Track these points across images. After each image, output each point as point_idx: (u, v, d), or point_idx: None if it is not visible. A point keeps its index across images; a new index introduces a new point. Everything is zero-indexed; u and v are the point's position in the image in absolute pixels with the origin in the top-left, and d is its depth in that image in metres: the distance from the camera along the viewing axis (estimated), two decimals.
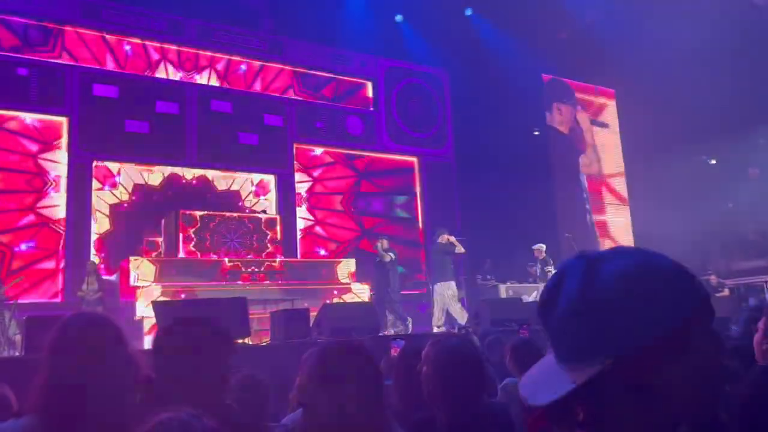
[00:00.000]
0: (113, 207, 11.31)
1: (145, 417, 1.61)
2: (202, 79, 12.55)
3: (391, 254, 10.65)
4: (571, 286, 0.76)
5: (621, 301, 0.72)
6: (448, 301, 10.31)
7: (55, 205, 10.81)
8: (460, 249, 10.74)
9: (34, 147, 10.77)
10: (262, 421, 2.71)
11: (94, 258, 10.60)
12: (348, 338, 6.22)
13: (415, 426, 2.40)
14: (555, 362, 0.77)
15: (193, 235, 10.33)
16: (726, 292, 12.49)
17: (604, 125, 17.90)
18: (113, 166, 11.43)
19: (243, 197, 12.68)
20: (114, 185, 11.43)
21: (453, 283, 10.62)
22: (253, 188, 12.85)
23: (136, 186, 11.62)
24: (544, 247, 12.36)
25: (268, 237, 11.25)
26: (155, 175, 11.84)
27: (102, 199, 11.22)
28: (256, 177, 12.87)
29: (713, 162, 17.21)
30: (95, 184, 11.17)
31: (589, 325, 0.73)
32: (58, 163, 10.93)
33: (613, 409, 0.73)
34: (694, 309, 0.74)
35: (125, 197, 11.49)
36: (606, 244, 16.45)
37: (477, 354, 2.27)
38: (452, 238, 10.83)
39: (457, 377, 2.09)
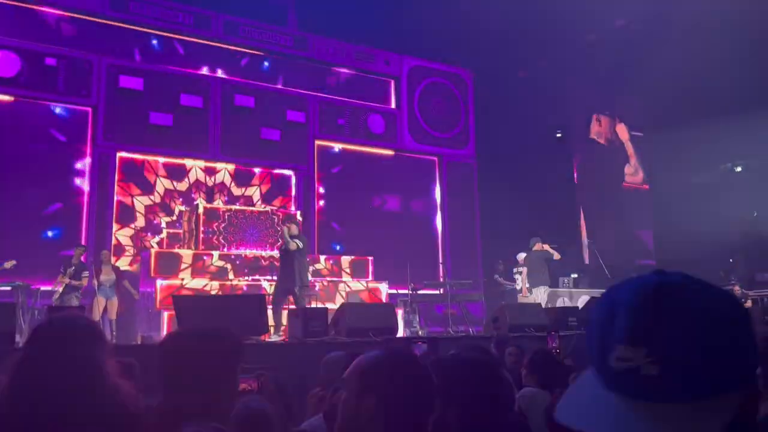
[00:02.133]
0: (135, 197, 11.38)
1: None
2: (226, 73, 12.59)
3: (299, 242, 9.21)
4: (685, 317, 0.72)
5: (729, 337, 0.71)
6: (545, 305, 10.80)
7: (78, 195, 10.92)
8: (556, 255, 11.31)
9: (58, 136, 10.88)
10: (288, 425, 2.68)
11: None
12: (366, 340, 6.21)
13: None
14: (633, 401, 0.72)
15: (213, 229, 10.39)
16: (749, 303, 12.27)
17: (639, 134, 17.82)
18: (137, 157, 11.52)
19: (263, 192, 12.70)
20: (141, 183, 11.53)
21: (547, 288, 11.30)
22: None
23: (157, 176, 11.69)
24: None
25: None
26: (177, 167, 11.91)
27: (125, 190, 11.31)
28: (277, 172, 12.90)
29: (738, 170, 16.92)
30: (119, 175, 11.27)
31: (709, 361, 0.70)
32: (81, 152, 11.04)
33: None
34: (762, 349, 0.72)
35: (147, 188, 11.57)
36: (635, 254, 16.28)
37: (496, 368, 2.19)
38: (546, 246, 11.33)
39: (471, 395, 2.00)
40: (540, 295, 11.12)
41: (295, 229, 9.36)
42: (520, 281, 12.03)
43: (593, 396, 0.76)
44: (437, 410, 2.01)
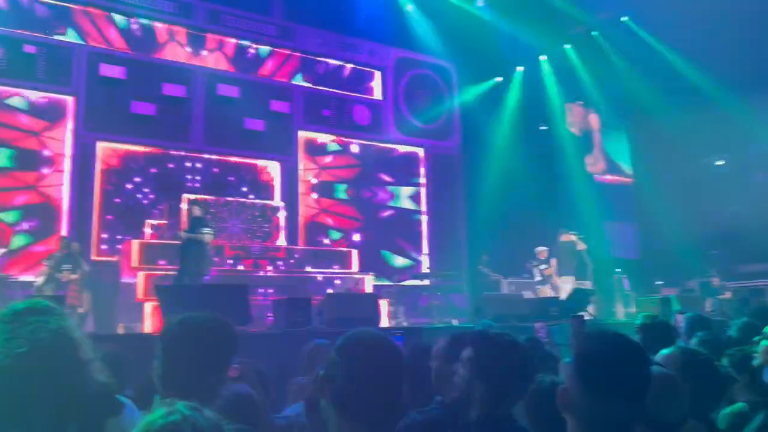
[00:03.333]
0: (117, 187, 11.25)
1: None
2: (209, 62, 12.46)
3: (207, 231, 8.29)
4: None
5: None
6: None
7: (57, 185, 10.77)
8: (581, 246, 11.68)
9: (37, 124, 10.71)
10: (266, 413, 2.67)
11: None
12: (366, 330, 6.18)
13: (423, 426, 2.35)
14: None
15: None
16: (728, 294, 12.46)
17: (616, 126, 17.90)
18: (118, 147, 11.38)
19: (247, 183, 12.62)
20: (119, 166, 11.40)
21: (573, 278, 11.52)
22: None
23: (139, 167, 11.56)
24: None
25: (272, 224, 11.24)
26: (160, 157, 11.77)
27: (107, 179, 11.18)
28: (261, 163, 12.82)
29: (720, 163, 17.11)
30: (100, 165, 11.13)
31: None
32: (61, 142, 10.88)
33: None
34: None
35: (129, 178, 11.44)
36: (618, 247, 16.39)
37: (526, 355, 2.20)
38: (572, 237, 11.68)
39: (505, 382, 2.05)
40: (564, 286, 11.32)
41: (198, 211, 8.50)
42: (537, 274, 12.18)
43: None
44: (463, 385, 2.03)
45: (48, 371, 1.58)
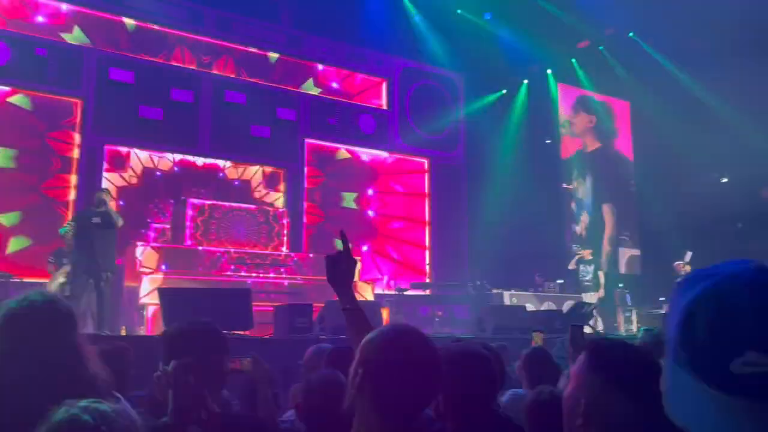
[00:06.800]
0: (121, 191, 11.30)
1: None
2: (217, 69, 12.55)
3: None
4: None
5: None
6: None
7: (63, 187, 10.83)
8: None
9: (45, 127, 10.79)
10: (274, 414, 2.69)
11: None
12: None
13: None
14: None
15: (200, 224, 10.34)
16: None
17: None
18: (124, 150, 11.46)
19: (253, 188, 12.69)
20: (124, 169, 11.47)
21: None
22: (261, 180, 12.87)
23: (145, 170, 11.64)
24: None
25: (275, 230, 11.26)
26: (165, 161, 11.87)
27: (110, 182, 11.23)
28: (267, 170, 12.88)
29: (725, 180, 17.07)
30: (105, 166, 11.20)
31: None
32: (68, 144, 10.95)
33: None
34: None
35: (134, 181, 11.51)
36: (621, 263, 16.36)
37: (490, 359, 2.21)
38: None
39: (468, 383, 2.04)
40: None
41: (107, 195, 8.05)
42: None
43: (706, 399, 0.71)
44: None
45: (54, 379, 1.60)
